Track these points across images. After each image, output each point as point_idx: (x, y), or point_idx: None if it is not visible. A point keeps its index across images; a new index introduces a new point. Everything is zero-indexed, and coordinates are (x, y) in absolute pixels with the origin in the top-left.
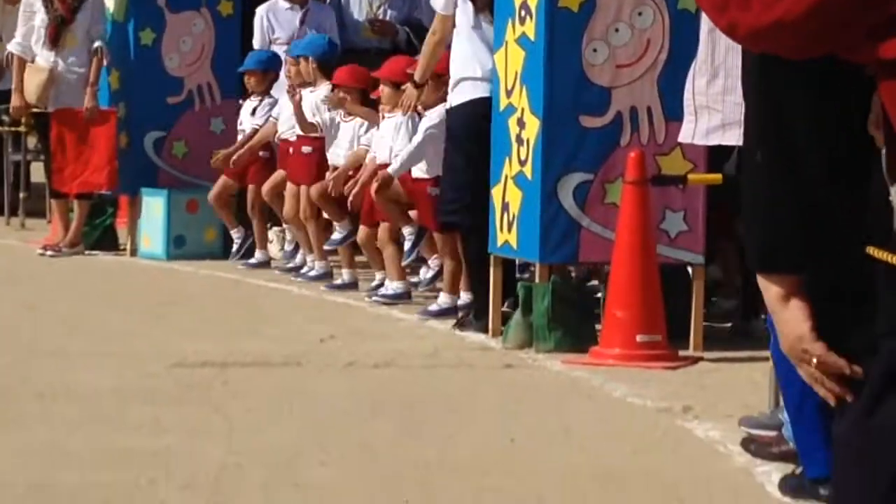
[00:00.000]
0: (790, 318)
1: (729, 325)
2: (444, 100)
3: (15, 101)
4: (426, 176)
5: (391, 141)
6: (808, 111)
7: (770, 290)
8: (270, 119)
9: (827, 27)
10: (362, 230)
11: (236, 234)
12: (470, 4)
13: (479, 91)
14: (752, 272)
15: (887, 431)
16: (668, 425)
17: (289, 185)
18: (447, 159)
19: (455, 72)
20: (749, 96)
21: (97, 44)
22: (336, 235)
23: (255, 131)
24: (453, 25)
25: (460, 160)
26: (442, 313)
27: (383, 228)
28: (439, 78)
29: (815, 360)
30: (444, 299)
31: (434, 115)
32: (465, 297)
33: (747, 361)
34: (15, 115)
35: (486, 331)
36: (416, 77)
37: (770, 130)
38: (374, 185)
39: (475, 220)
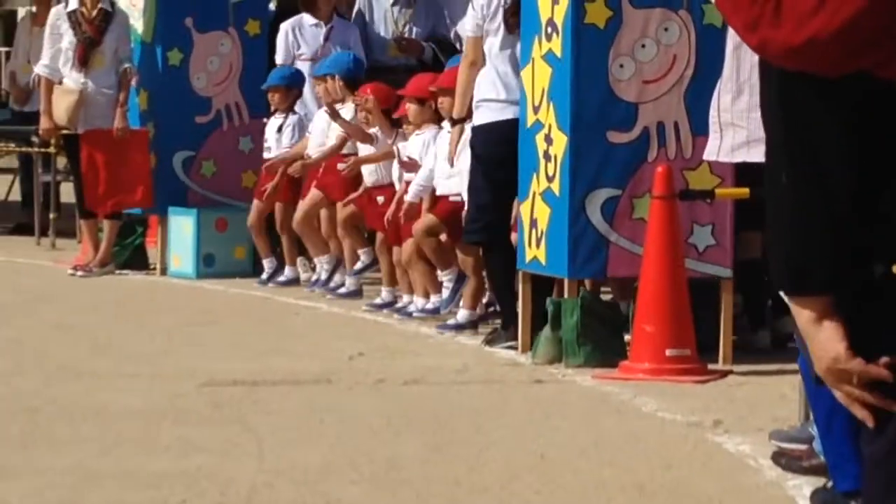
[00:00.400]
0: (825, 339)
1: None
2: (434, 121)
3: (44, 123)
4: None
5: (420, 159)
6: (835, 130)
7: (802, 313)
8: (306, 135)
9: (860, 44)
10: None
11: (268, 264)
12: (500, 24)
13: (507, 113)
14: (778, 293)
15: None
16: (699, 439)
17: (323, 206)
18: (472, 179)
19: (481, 92)
20: (770, 115)
21: (126, 65)
22: (358, 265)
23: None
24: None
25: (483, 181)
26: (460, 328)
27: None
28: (425, 103)
29: (855, 379)
30: (463, 315)
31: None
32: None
33: (777, 374)
34: (45, 137)
35: (514, 339)
36: (455, 113)
37: (795, 151)
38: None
39: (497, 238)
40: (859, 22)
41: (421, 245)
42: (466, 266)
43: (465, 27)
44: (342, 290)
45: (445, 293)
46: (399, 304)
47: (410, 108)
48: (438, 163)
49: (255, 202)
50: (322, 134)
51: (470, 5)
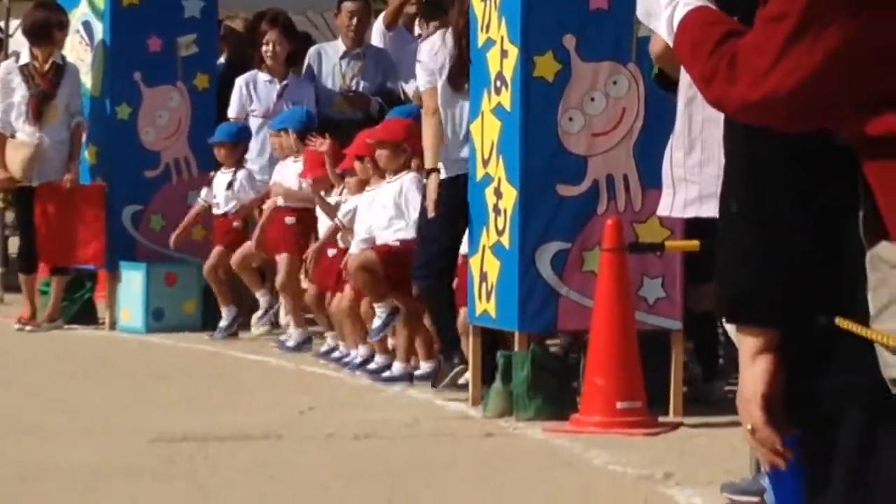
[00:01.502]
0: (751, 375)
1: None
2: (405, 167)
3: None
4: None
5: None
6: (788, 175)
7: (744, 342)
8: (274, 182)
9: (815, 104)
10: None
11: (227, 312)
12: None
13: (454, 170)
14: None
15: None
16: (650, 492)
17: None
18: (420, 228)
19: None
20: (728, 144)
21: (77, 118)
22: (377, 322)
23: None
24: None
25: (432, 230)
26: (395, 380)
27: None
28: (398, 146)
29: (749, 427)
30: (398, 367)
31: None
32: (424, 366)
33: (727, 427)
34: (1, 189)
35: (462, 364)
36: (428, 164)
37: (748, 183)
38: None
39: (440, 286)
40: (814, 83)
41: (355, 280)
42: (403, 316)
43: (419, 81)
44: (290, 342)
45: (377, 322)
46: (340, 356)
47: (356, 165)
48: (375, 214)
49: (216, 249)
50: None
51: (417, 60)
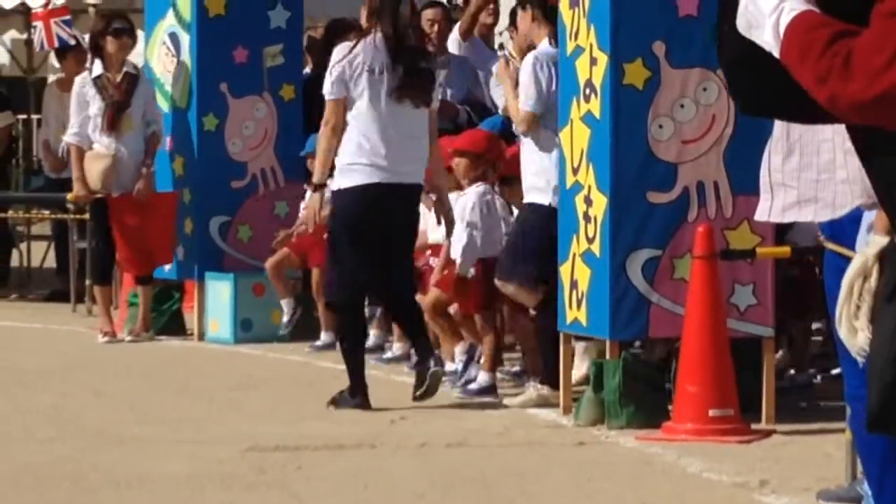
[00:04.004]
0: None
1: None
2: (482, 179)
3: (78, 189)
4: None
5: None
6: None
7: None
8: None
9: None
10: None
11: (286, 304)
12: (364, 89)
13: (366, 177)
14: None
15: None
16: (746, 500)
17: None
18: (332, 239)
19: (345, 155)
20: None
21: (152, 127)
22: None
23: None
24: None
25: (344, 241)
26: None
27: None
28: (479, 157)
29: None
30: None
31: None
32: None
33: (820, 434)
34: (80, 203)
35: (361, 407)
36: (316, 178)
37: None
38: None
39: (351, 300)
40: None
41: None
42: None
43: (324, 89)
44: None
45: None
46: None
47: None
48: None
49: (284, 251)
50: None
51: (329, 68)
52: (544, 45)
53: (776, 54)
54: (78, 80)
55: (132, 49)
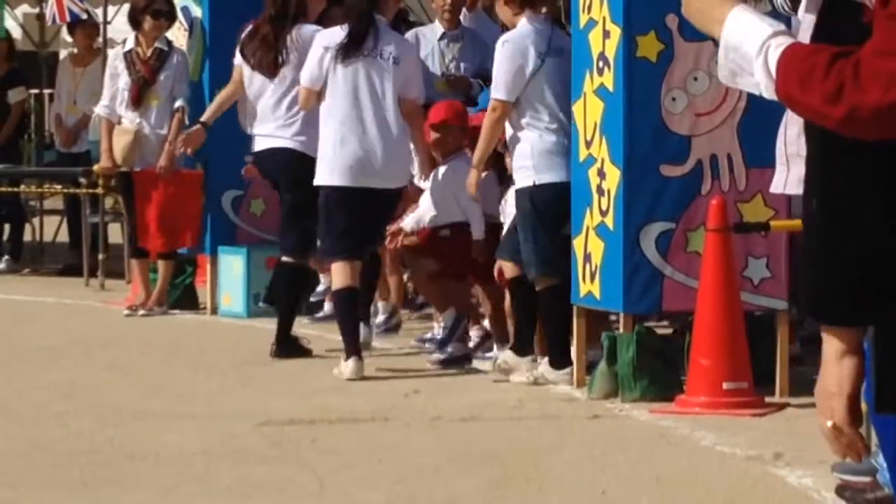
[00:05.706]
0: (837, 375)
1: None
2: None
3: (104, 162)
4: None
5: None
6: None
7: (830, 342)
8: None
9: None
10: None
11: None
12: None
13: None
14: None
15: None
16: (760, 473)
17: None
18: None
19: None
20: (807, 137)
21: (178, 103)
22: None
23: None
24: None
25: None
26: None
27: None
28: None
29: (830, 424)
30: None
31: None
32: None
33: None
34: (105, 174)
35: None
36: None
37: (827, 178)
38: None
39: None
40: None
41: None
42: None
43: (302, 75)
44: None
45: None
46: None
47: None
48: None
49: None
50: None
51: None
52: (522, 25)
53: (769, 94)
54: (111, 53)
55: (167, 31)
